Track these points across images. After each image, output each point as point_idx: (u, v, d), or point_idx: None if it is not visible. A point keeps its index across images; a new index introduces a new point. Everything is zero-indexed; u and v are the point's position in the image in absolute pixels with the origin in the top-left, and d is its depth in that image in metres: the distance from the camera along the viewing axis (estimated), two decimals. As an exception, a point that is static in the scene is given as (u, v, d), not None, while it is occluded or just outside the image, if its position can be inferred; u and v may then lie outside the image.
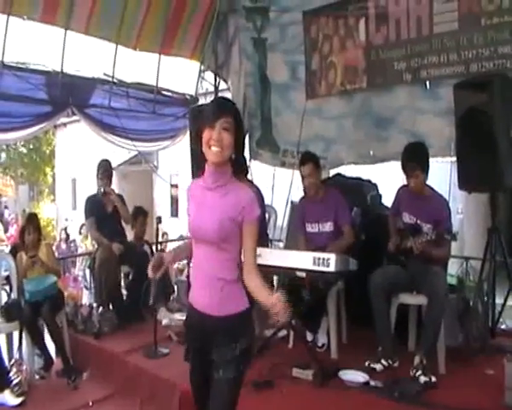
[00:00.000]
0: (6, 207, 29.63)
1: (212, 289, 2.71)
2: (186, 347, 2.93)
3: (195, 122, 6.20)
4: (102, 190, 6.53)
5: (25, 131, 6.58)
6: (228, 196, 2.69)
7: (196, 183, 2.85)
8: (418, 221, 4.73)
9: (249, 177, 6.33)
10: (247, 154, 6.50)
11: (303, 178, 5.38)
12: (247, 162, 6.11)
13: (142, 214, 6.98)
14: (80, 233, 18.86)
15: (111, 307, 6.31)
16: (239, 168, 2.77)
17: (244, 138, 2.80)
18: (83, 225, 17.87)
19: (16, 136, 6.78)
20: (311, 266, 4.43)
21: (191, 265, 2.92)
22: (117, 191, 6.81)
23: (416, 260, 4.62)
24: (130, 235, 6.93)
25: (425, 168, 4.66)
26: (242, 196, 2.69)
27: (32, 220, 5.80)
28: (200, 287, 2.77)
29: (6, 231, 23.72)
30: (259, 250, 4.61)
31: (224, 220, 2.64)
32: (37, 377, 5.47)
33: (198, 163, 2.84)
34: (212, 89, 8.56)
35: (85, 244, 17.50)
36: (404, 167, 4.72)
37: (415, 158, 4.68)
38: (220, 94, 8.53)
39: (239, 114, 2.76)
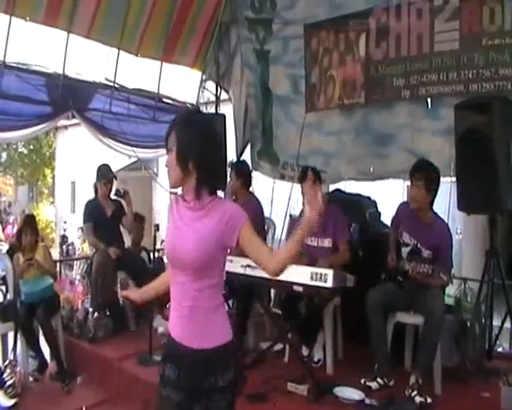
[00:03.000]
0: (10, 205, 29.68)
1: (193, 318, 2.50)
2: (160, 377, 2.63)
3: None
4: (122, 190, 6.52)
5: (24, 131, 6.54)
6: (209, 215, 2.50)
7: (177, 199, 2.66)
8: (418, 245, 4.72)
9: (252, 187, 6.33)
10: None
11: (302, 194, 5.36)
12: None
13: (138, 220, 6.97)
14: (78, 238, 18.89)
15: (107, 312, 6.30)
16: (207, 181, 2.54)
17: (196, 149, 2.51)
18: (80, 228, 17.89)
19: (15, 135, 6.74)
20: (308, 281, 4.39)
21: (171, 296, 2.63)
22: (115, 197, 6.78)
23: (413, 280, 4.59)
24: (127, 241, 6.91)
25: (430, 185, 4.64)
26: (226, 208, 2.53)
27: (29, 222, 5.80)
28: (181, 316, 2.54)
29: (3, 230, 23.72)
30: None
31: (205, 243, 2.45)
32: (31, 379, 5.50)
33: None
34: (213, 98, 8.58)
35: (83, 247, 17.48)
36: (411, 175, 4.74)
37: (424, 170, 4.69)
38: (221, 104, 8.57)
39: (184, 122, 2.58)
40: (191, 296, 2.49)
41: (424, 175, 4.64)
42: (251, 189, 6.26)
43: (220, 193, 7.25)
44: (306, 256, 5.32)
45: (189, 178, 2.52)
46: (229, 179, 6.11)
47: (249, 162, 7.33)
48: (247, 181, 6.13)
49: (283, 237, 7.10)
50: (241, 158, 7.85)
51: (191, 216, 2.54)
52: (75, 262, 10.48)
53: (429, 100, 6.08)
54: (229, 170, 6.17)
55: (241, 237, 2.49)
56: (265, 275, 4.50)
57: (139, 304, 3.06)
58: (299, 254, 2.49)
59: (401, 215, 5.02)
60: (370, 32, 6.45)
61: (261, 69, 7.84)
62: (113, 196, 6.58)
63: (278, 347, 5.33)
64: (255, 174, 7.62)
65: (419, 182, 4.64)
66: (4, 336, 5.66)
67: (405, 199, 4.82)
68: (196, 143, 2.51)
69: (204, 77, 8.40)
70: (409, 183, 4.84)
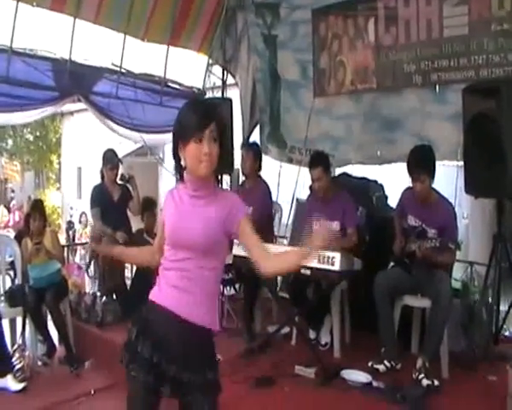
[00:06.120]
0: (13, 191, 29.67)
1: (190, 292, 2.48)
2: (129, 354, 2.53)
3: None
4: (127, 175, 6.55)
5: (29, 113, 6.57)
6: (213, 204, 2.50)
7: (178, 189, 2.64)
8: (423, 225, 4.70)
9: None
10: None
11: (312, 180, 5.37)
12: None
13: (150, 205, 6.91)
14: (80, 222, 18.93)
15: (114, 297, 6.33)
16: (219, 167, 2.54)
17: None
18: (83, 213, 17.94)
19: (20, 117, 6.74)
20: (315, 264, 4.38)
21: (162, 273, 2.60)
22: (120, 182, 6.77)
23: (421, 263, 4.59)
24: (138, 226, 6.90)
25: (431, 173, 4.60)
26: (228, 199, 2.55)
27: (37, 207, 5.82)
28: (177, 287, 2.50)
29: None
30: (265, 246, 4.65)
31: (211, 229, 2.45)
32: (39, 363, 5.54)
33: (177, 172, 2.61)
34: (219, 83, 8.56)
35: (85, 233, 17.52)
36: (410, 171, 4.66)
37: (422, 162, 4.62)
38: (228, 89, 8.54)
39: (219, 112, 2.56)
40: (193, 274, 2.48)
41: (424, 168, 4.58)
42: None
43: (226, 177, 7.28)
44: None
45: None
46: (241, 161, 6.09)
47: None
48: (261, 164, 6.13)
49: (290, 221, 7.11)
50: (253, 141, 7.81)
51: (195, 203, 2.53)
52: (78, 248, 10.51)
53: (438, 85, 6.06)
54: (242, 152, 6.14)
55: (240, 230, 2.51)
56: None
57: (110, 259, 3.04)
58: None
59: (405, 200, 5.00)
60: (379, 16, 6.45)
61: (269, 54, 7.83)
62: (118, 182, 6.59)
63: (285, 330, 5.37)
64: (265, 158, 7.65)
65: (422, 176, 4.57)
66: (13, 321, 5.69)
67: (411, 183, 4.77)
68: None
69: (210, 61, 8.38)
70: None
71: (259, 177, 6.11)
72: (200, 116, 2.46)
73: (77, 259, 9.51)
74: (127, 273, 6.81)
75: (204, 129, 2.41)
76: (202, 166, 2.42)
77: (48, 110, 6.79)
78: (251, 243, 2.53)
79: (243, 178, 6.30)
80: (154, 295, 2.57)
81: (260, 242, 2.54)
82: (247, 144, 6.47)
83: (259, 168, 6.09)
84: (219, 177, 2.34)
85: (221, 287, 5.59)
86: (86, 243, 10.26)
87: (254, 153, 6.04)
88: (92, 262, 6.79)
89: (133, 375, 2.48)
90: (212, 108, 2.55)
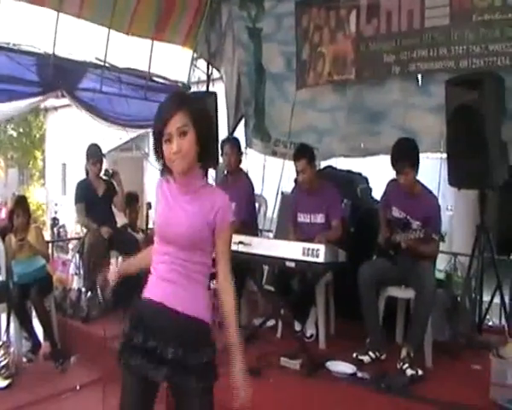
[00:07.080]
0: None
1: (180, 284, 2.47)
2: (123, 344, 2.53)
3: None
4: (111, 171, 6.54)
5: (10, 107, 6.52)
6: (200, 200, 2.47)
7: (167, 181, 2.57)
8: (408, 217, 4.72)
9: (245, 164, 6.36)
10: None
11: (297, 172, 5.38)
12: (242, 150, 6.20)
13: (132, 201, 6.97)
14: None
15: (99, 291, 6.31)
16: (207, 161, 2.53)
17: (210, 127, 2.49)
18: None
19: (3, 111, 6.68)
20: (300, 257, 4.42)
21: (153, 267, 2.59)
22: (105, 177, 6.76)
23: (405, 254, 4.62)
24: (123, 221, 6.91)
25: (415, 165, 4.62)
26: (217, 198, 2.48)
27: (21, 203, 5.77)
28: (167, 280, 2.49)
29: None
30: (250, 239, 4.68)
31: (196, 225, 2.44)
32: (24, 359, 5.50)
33: (163, 169, 2.53)
34: (204, 77, 8.53)
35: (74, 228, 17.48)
36: (393, 164, 4.68)
37: (405, 155, 4.63)
38: (213, 83, 8.51)
39: (195, 103, 2.48)
40: (180, 266, 2.47)
41: (407, 161, 4.60)
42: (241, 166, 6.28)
43: (211, 171, 7.25)
44: (300, 234, 5.36)
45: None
46: (224, 156, 6.11)
47: (243, 139, 7.34)
48: (241, 158, 6.18)
49: (275, 214, 7.12)
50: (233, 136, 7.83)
51: (182, 198, 2.50)
52: (69, 244, 10.44)
53: (420, 77, 6.11)
54: (226, 148, 6.14)
55: (216, 231, 2.48)
56: (258, 251, 4.63)
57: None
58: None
59: (390, 192, 5.03)
60: (361, 8, 6.45)
61: (254, 47, 7.81)
62: (103, 177, 6.58)
63: (271, 323, 5.38)
64: (247, 152, 7.64)
65: (406, 169, 4.59)
66: (-3, 318, 5.68)
67: (395, 176, 4.80)
68: (210, 125, 2.51)
69: (195, 55, 8.34)
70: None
71: (241, 170, 6.14)
72: (162, 112, 2.40)
73: (69, 256, 9.46)
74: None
75: (166, 125, 2.35)
76: (175, 165, 2.40)
77: (32, 102, 6.73)
78: (217, 251, 2.52)
79: (225, 173, 6.33)
80: (147, 290, 2.57)
81: (226, 257, 2.53)
82: (231, 139, 6.48)
83: (240, 162, 6.14)
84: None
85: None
86: (73, 239, 10.22)
87: (237, 148, 6.08)
88: (77, 257, 6.79)
89: (124, 362, 2.48)
90: (177, 99, 2.46)
